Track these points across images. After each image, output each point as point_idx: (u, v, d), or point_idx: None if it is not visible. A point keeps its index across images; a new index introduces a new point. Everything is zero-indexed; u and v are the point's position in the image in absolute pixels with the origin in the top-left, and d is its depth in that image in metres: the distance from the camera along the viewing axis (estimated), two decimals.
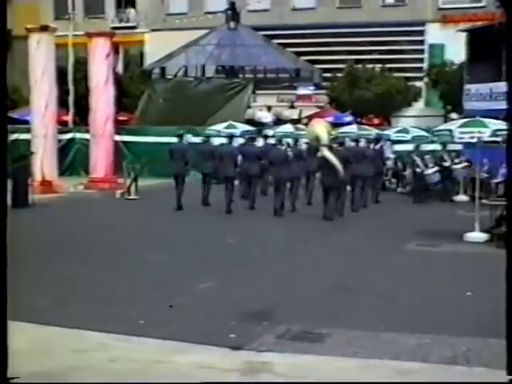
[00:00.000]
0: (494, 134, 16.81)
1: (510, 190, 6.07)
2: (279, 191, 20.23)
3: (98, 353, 8.12)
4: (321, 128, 20.45)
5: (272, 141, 23.63)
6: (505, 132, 17.48)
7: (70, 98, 36.07)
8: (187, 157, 21.58)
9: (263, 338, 8.63)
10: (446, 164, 24.73)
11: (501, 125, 17.81)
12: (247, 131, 28.42)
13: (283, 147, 21.20)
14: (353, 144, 22.58)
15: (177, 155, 21.43)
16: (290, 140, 22.87)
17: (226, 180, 20.96)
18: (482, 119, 17.32)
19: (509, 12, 6.14)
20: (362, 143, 23.47)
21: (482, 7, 45.46)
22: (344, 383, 7.14)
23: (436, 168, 24.16)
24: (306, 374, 7.45)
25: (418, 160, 24.35)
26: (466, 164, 24.34)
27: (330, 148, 19.55)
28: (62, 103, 32.46)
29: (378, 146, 24.51)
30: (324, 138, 19.71)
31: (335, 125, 29.33)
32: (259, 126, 33.11)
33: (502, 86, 33.45)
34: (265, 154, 21.38)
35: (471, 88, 35.55)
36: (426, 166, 24.22)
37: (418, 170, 24.27)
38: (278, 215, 19.83)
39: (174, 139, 22.13)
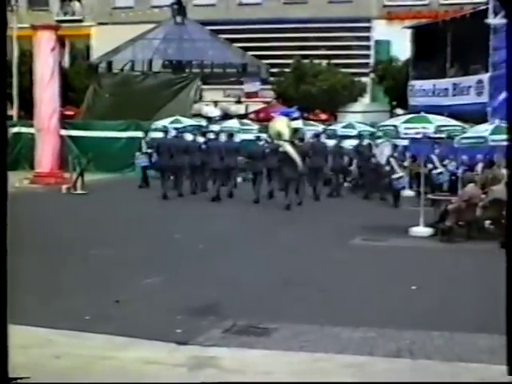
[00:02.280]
0: (438, 129, 16.99)
1: (511, 196, 6.28)
2: (256, 183, 21.83)
3: (44, 349, 8.04)
4: (282, 125, 21.94)
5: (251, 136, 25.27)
6: (449, 128, 17.76)
7: (14, 92, 35.59)
8: (172, 150, 22.95)
9: (209, 333, 8.64)
10: (430, 166, 22.39)
11: (445, 121, 18.06)
12: (193, 126, 28.35)
13: (261, 142, 22.95)
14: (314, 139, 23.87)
15: (163, 149, 23.14)
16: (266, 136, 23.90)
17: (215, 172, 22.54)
18: (426, 115, 17.44)
19: (509, 12, 6.24)
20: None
21: (425, 5, 46.03)
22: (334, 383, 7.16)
23: (402, 173, 23.39)
24: (252, 369, 7.48)
25: (393, 161, 23.74)
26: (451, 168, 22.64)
27: (292, 143, 20.79)
28: (6, 97, 31.95)
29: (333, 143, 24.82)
30: (285, 133, 21.12)
31: None
32: (206, 120, 33.07)
33: (444, 83, 34.05)
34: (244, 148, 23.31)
35: (415, 84, 36.00)
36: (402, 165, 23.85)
37: (387, 168, 23.08)
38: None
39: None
